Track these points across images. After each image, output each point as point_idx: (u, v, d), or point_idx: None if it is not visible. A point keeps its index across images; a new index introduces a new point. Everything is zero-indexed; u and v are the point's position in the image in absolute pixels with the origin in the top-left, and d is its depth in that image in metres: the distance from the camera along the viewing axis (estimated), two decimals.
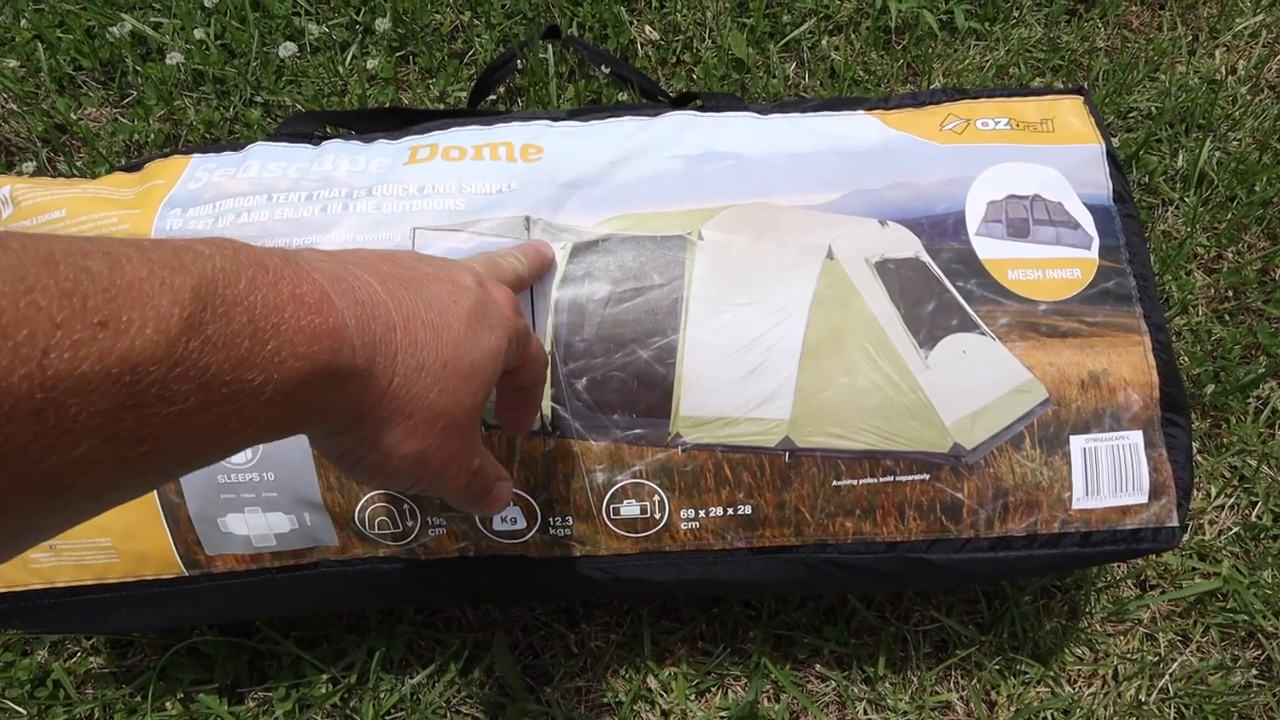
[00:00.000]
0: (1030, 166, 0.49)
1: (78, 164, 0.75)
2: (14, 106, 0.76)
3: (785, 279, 0.46)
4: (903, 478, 0.46)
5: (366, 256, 0.31)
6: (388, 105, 0.77)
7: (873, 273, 0.46)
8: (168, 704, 0.60)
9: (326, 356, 0.25)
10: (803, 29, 0.80)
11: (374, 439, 0.29)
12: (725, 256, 0.46)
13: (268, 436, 0.25)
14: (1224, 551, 0.63)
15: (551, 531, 0.47)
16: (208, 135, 0.76)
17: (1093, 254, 0.48)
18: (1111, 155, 0.51)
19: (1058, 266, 0.48)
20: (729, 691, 0.60)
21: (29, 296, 0.18)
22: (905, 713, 0.59)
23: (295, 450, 0.46)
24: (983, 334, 0.46)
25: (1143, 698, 0.59)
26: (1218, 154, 0.76)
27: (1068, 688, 0.60)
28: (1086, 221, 0.49)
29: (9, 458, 0.18)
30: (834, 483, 0.46)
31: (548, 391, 0.45)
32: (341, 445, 0.29)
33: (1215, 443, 0.67)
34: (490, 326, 0.33)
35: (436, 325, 0.30)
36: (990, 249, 0.47)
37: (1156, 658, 0.61)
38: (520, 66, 0.76)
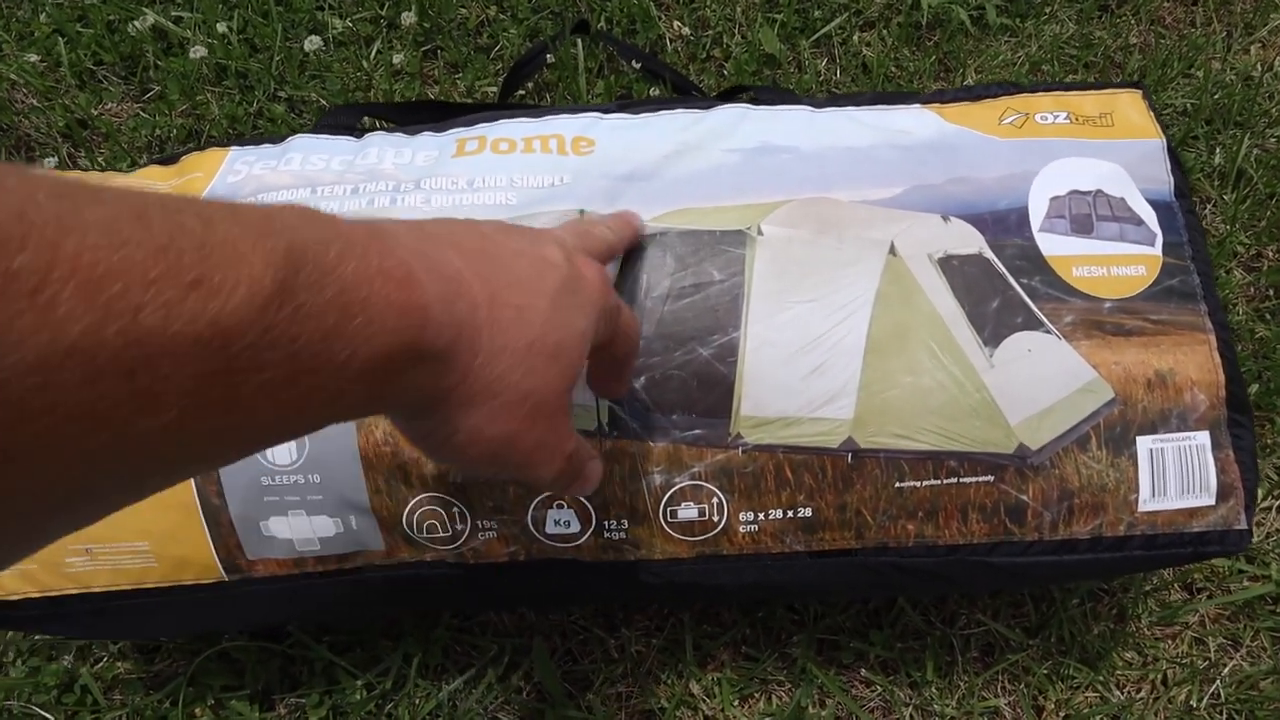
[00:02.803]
0: (1092, 161, 0.48)
1: (100, 159, 0.74)
2: (34, 101, 0.75)
3: (847, 275, 0.44)
4: (967, 479, 0.45)
5: (453, 229, 0.30)
6: (417, 99, 0.76)
7: (936, 269, 0.45)
8: (198, 710, 0.59)
9: (412, 334, 0.24)
10: (833, 24, 0.79)
11: (458, 421, 0.28)
12: (786, 252, 0.45)
13: (348, 414, 0.25)
14: (1272, 554, 0.62)
15: (606, 535, 0.46)
16: (231, 130, 0.75)
17: (1156, 250, 0.47)
18: (1171, 151, 0.50)
19: (1122, 263, 0.46)
20: (773, 696, 0.59)
21: (123, 250, 0.17)
22: (953, 718, 0.58)
23: (342, 452, 0.44)
24: (1048, 332, 0.45)
25: (1193, 703, 0.58)
26: (1255, 151, 0.75)
27: (1117, 692, 0.59)
28: (1149, 218, 0.48)
29: (97, 418, 0.17)
30: (896, 484, 0.45)
31: None
32: (424, 427, 0.28)
33: (1260, 444, 0.66)
34: (579, 305, 0.31)
35: (521, 305, 0.29)
36: (1054, 245, 0.46)
37: (1206, 662, 0.60)
38: (550, 61, 0.75)
